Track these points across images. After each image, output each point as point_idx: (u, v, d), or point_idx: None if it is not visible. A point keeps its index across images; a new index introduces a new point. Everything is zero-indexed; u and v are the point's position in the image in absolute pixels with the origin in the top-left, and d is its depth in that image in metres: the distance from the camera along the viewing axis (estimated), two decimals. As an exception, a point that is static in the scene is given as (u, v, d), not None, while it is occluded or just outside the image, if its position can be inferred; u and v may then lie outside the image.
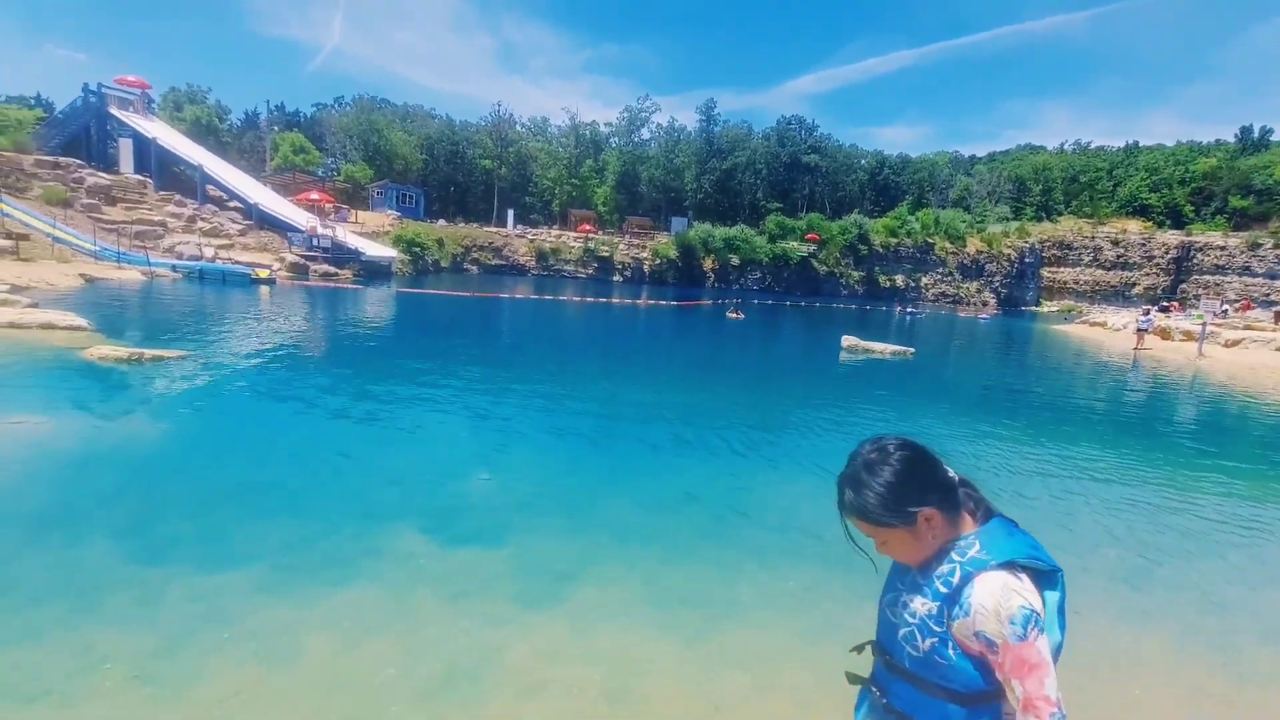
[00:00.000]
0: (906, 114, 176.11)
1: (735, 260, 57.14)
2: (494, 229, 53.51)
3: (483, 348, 15.08)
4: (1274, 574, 5.24)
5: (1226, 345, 26.69)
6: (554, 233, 55.10)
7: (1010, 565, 1.32)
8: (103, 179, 31.63)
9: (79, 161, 32.76)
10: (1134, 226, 72.84)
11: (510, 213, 57.04)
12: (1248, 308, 36.07)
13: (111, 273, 22.42)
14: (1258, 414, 13.32)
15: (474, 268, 47.09)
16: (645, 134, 75.00)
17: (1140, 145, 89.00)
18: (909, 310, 43.56)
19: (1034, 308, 67.11)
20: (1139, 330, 28.03)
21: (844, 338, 18.97)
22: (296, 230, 31.88)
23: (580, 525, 5.13)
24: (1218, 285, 64.82)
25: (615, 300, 33.93)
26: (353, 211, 43.48)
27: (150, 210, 31.29)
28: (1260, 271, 64.44)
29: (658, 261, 54.19)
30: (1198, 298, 61.88)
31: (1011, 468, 7.78)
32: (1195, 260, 68.04)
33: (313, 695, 2.93)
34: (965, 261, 67.77)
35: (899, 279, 64.85)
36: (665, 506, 5.71)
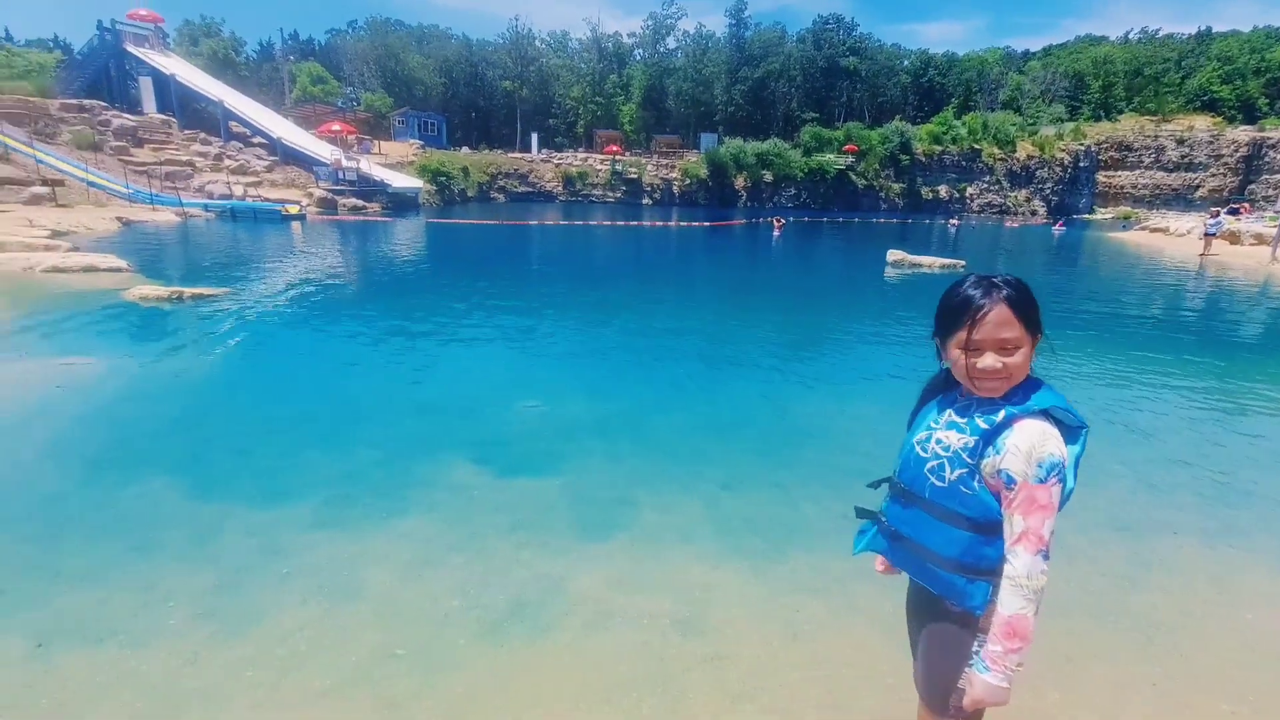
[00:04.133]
0: (954, 6, 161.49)
1: (769, 177, 54.78)
2: (518, 155, 52.05)
3: (517, 276, 14.82)
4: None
5: (1304, 247, 24.74)
6: (580, 156, 53.35)
7: (1046, 414, 1.42)
8: (128, 120, 31.40)
9: (103, 104, 32.46)
10: (1201, 123, 66.91)
11: (534, 136, 55.26)
12: None
13: (146, 215, 22.53)
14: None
15: (501, 195, 46.22)
16: (671, 43, 70.78)
17: (1214, 32, 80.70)
18: (955, 222, 41.50)
19: (1087, 215, 63.36)
20: (1206, 235, 26.15)
21: (890, 252, 18.10)
22: (322, 164, 31.41)
23: (634, 450, 4.96)
24: (1292, 185, 59.88)
25: (646, 223, 33.04)
26: (376, 142, 42.59)
27: (177, 150, 31.09)
28: (1341, 167, 59.24)
29: (688, 182, 52.30)
30: (1269, 199, 57.53)
31: (1074, 379, 7.33)
32: (1267, 158, 62.64)
33: (378, 629, 2.85)
34: (1014, 168, 63.74)
35: (942, 190, 61.59)
36: (719, 428, 5.49)
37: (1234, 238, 27.92)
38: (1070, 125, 68.78)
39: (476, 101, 69.30)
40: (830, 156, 57.06)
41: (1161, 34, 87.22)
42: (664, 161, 54.11)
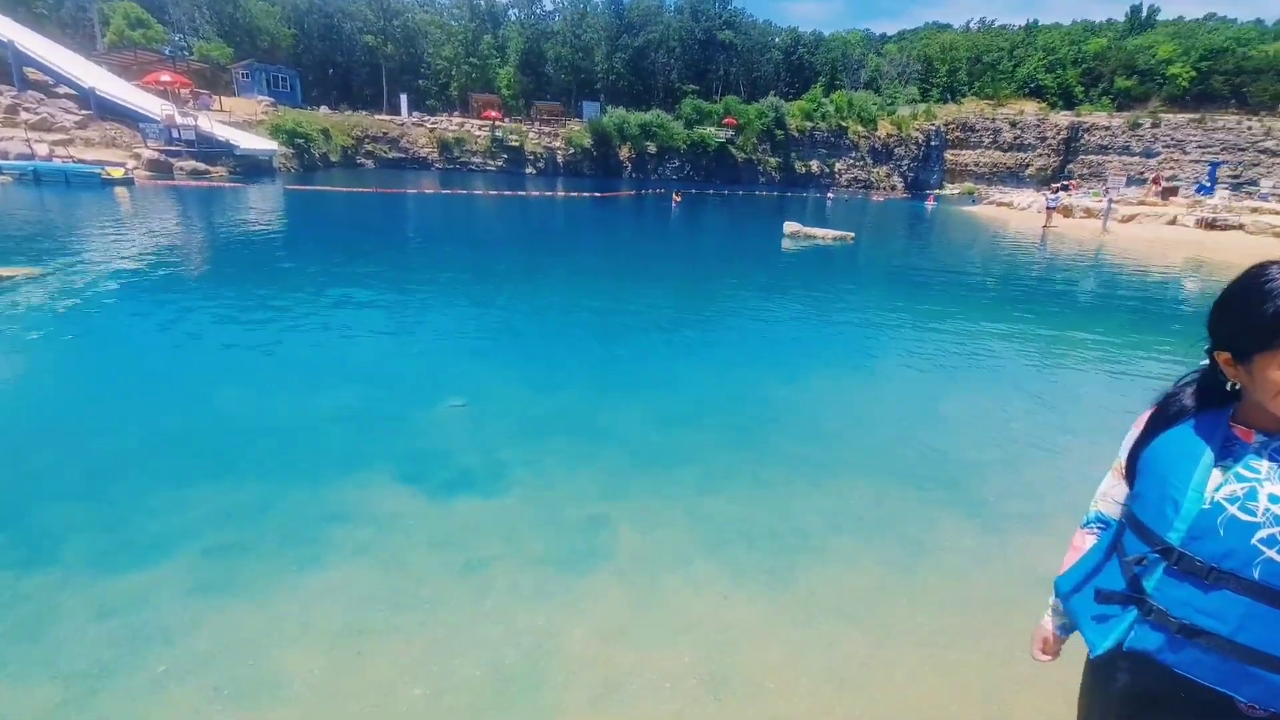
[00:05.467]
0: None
1: (652, 148, 54.61)
2: (387, 117, 47.90)
3: (405, 250, 13.37)
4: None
5: (1123, 221, 28.30)
6: (455, 120, 50.06)
7: None
8: (-126, 58, 25.15)
9: None
10: (1030, 107, 75.02)
11: (404, 98, 51.04)
12: (1157, 184, 36.78)
13: (-89, 177, 18.16)
14: (1166, 281, 14.13)
15: (369, 161, 42.38)
16: (549, 5, 68.10)
17: (1039, 24, 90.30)
18: (831, 196, 43.63)
19: (938, 190, 69.21)
20: (1048, 209, 29.23)
21: (786, 224, 18.37)
22: (150, 121, 26.91)
23: (589, 452, 4.33)
24: (1100, 165, 68.69)
25: (535, 194, 31.63)
26: (215, 98, 37.29)
27: (-51, 98, 25.39)
28: (1138, 150, 68.60)
29: (572, 151, 50.87)
30: (1084, 177, 65.91)
31: (957, 343, 7.60)
32: (1082, 140, 71.42)
33: (316, 747, 2.08)
34: (876, 145, 68.07)
35: (814, 165, 64.50)
36: (677, 418, 4.98)
37: (1067, 211, 31.41)
38: (923, 106, 74.43)
39: (334, 57, 62.84)
40: (711, 129, 57.79)
41: (997, 24, 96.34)
42: (546, 130, 52.17)
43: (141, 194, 19.79)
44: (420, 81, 63.04)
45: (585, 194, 33.13)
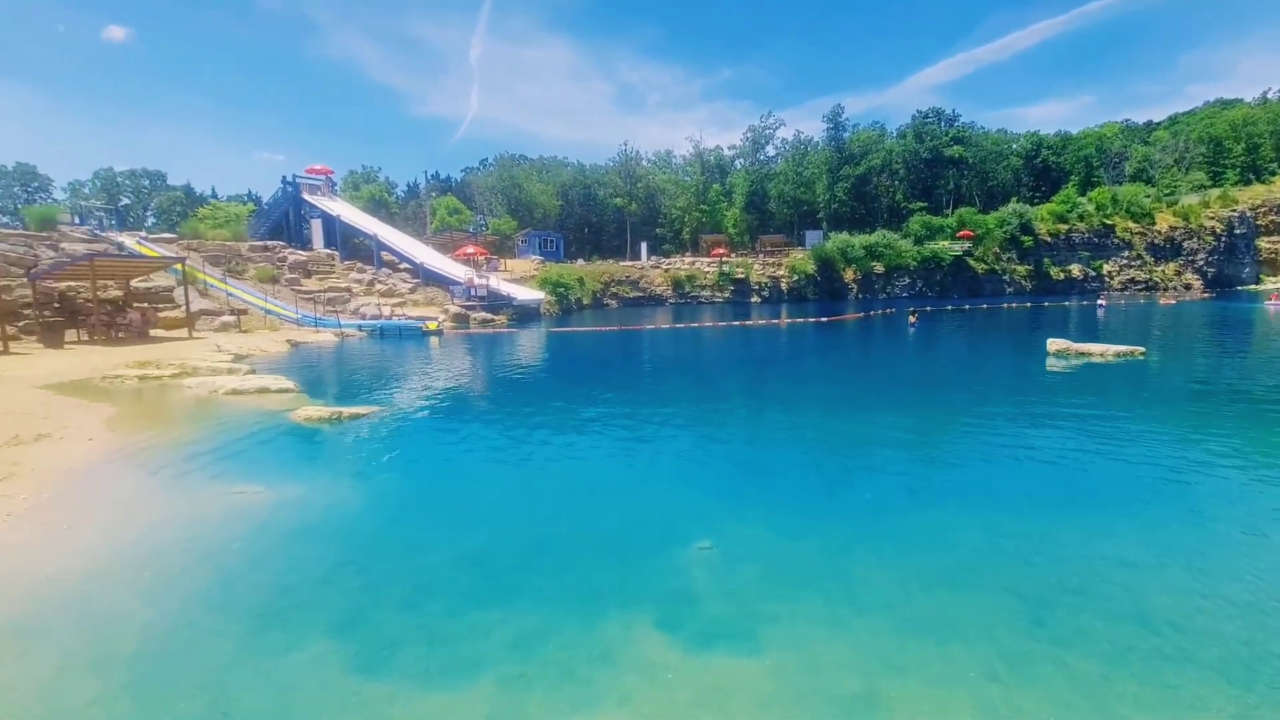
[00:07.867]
0: (1059, 87, 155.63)
1: (879, 268, 53.53)
2: (629, 263, 54.43)
3: (642, 382, 14.53)
4: None
5: None
6: (687, 260, 54.93)
7: None
8: (300, 256, 36.02)
9: (282, 243, 37.75)
10: (1375, 177, 59.08)
11: (643, 245, 57.84)
12: None
13: (310, 336, 24.97)
14: None
15: (614, 302, 47.96)
16: (770, 151, 73.58)
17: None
18: (1103, 303, 37.94)
19: (1253, 286, 56.31)
20: None
21: (1050, 341, 16.25)
22: (457, 283, 34.12)
23: (848, 611, 4.05)
24: None
25: (761, 321, 32.60)
26: (502, 261, 46.14)
27: (338, 279, 35.02)
28: None
29: (795, 278, 52.08)
30: None
31: None
32: None
33: None
34: (1156, 241, 58.69)
35: (1075, 269, 57.25)
36: (946, 579, 4.46)
37: None
38: (1215, 192, 62.95)
39: (590, 218, 74.37)
40: (944, 243, 55.18)
41: (1310, 89, 79.62)
42: (770, 260, 54.46)
43: (447, 341, 24.66)
44: (658, 230, 71.16)
45: (810, 319, 33.23)
